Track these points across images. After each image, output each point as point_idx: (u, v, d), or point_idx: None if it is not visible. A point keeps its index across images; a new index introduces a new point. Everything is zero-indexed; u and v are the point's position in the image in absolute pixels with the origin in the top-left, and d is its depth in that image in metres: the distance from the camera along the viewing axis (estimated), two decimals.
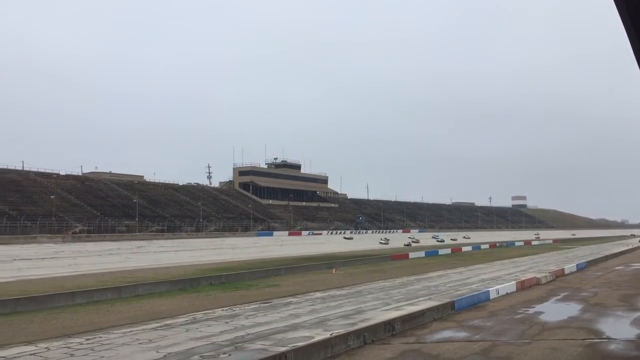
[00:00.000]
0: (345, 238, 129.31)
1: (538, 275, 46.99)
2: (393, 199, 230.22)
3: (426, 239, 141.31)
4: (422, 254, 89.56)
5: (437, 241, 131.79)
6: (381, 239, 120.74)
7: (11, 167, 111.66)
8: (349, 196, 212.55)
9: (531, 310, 31.42)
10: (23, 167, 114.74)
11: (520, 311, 31.09)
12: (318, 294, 40.76)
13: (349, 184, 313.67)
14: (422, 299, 35.37)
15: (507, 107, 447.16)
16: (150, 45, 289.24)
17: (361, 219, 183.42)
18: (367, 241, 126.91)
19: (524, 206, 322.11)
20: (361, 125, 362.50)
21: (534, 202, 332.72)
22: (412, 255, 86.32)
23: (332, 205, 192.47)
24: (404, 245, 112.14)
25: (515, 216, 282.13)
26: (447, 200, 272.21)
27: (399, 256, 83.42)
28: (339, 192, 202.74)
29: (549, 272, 49.86)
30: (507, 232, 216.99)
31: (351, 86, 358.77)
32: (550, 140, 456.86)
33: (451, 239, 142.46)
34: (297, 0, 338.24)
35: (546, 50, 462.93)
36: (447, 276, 53.92)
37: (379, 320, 25.38)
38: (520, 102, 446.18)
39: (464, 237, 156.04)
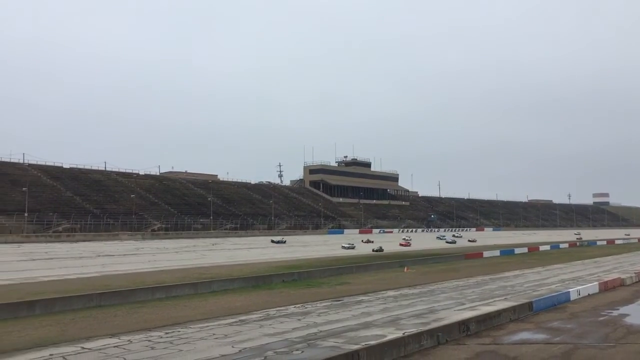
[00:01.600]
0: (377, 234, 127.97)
1: (622, 276, 44.66)
2: (466, 197, 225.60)
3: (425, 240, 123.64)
4: (497, 252, 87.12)
5: (447, 242, 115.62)
6: (344, 244, 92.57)
7: (95, 167, 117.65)
8: (420, 194, 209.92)
9: (615, 313, 29.91)
10: (105, 167, 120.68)
11: (604, 313, 29.66)
12: (390, 293, 40.47)
13: (420, 181, 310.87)
14: (497, 299, 34.41)
15: (587, 98, 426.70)
16: (219, 47, 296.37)
17: (433, 217, 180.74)
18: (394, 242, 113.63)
19: (607, 204, 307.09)
20: (432, 120, 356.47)
21: (617, 199, 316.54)
22: (486, 254, 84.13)
23: (403, 203, 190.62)
24: (373, 250, 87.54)
25: (597, 214, 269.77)
26: (522, 198, 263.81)
27: (472, 255, 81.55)
28: (410, 189, 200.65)
29: (635, 273, 47.29)
30: (587, 230, 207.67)
31: (419, 81, 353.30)
32: (635, 133, 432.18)
33: (469, 240, 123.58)
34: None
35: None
36: (523, 276, 52.24)
37: (452, 320, 24.89)
38: (600, 93, 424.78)
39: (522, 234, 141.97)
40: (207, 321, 28.67)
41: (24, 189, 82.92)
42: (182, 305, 35.58)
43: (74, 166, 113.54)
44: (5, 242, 70.91)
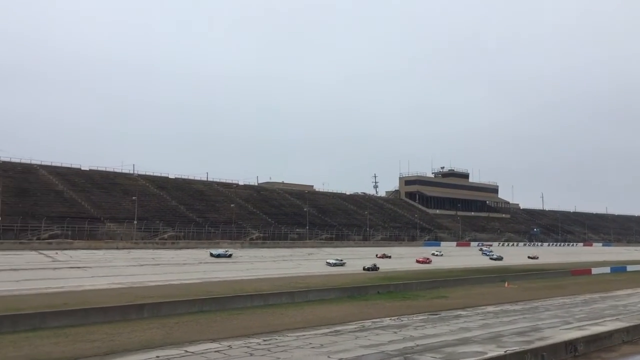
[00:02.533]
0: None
1: None
2: (572, 210, 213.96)
3: (514, 255, 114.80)
4: (607, 269, 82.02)
5: (492, 259, 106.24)
6: (330, 260, 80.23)
7: (197, 178, 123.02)
8: (522, 206, 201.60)
9: None
10: (207, 178, 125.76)
11: None
12: (490, 308, 39.08)
13: (521, 193, 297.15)
14: (608, 319, 32.26)
15: None
16: (310, 57, 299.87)
17: (536, 231, 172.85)
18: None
19: None
20: (533, 129, 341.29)
21: None
22: (595, 270, 79.40)
23: (503, 215, 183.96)
24: (365, 268, 75.45)
25: None
26: (636, 212, 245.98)
27: (579, 271, 77.22)
28: (511, 201, 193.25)
29: None
30: None
31: (517, 87, 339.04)
32: None
33: (529, 257, 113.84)
34: (451, 10, 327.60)
35: None
36: (638, 295, 48.69)
37: (558, 340, 23.56)
38: None
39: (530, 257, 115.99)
40: (304, 330, 28.95)
41: (133, 198, 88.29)
42: (279, 313, 36.21)
43: (179, 177, 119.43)
44: (117, 248, 75.72)
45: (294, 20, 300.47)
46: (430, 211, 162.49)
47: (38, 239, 71.93)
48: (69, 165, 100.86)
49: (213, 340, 25.86)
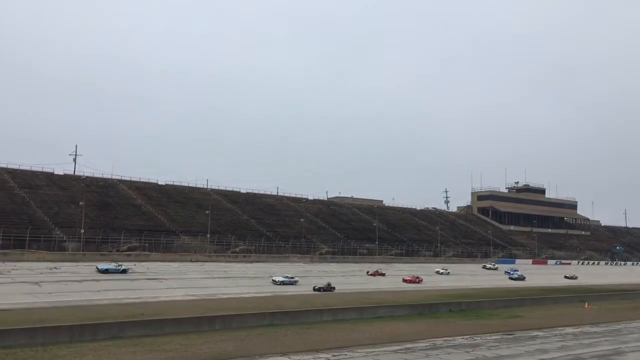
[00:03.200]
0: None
1: None
2: None
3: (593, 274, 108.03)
4: None
5: (512, 278, 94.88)
6: (275, 278, 66.92)
7: (268, 192, 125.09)
8: (603, 223, 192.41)
9: None
10: (278, 192, 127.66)
11: None
12: (568, 329, 37.38)
13: (602, 209, 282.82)
14: None
15: None
16: (368, 69, 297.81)
17: (619, 249, 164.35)
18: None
19: None
20: (614, 143, 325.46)
21: None
22: None
23: (583, 232, 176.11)
24: (315, 288, 63.42)
25: None
26: None
27: None
28: (591, 218, 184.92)
29: None
30: None
31: (597, 103, 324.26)
32: None
33: (565, 276, 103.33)
34: (524, 11, 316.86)
35: None
36: None
37: None
38: None
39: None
40: (373, 346, 28.68)
41: (206, 212, 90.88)
42: (348, 329, 36.03)
43: (250, 191, 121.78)
44: (191, 261, 77.96)
45: (353, 27, 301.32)
46: (504, 227, 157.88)
47: (117, 250, 75.06)
48: (146, 180, 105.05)
49: (283, 354, 26.03)
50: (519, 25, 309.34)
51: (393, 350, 27.51)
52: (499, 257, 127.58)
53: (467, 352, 27.35)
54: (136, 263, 68.94)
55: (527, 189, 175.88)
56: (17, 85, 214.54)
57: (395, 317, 44.28)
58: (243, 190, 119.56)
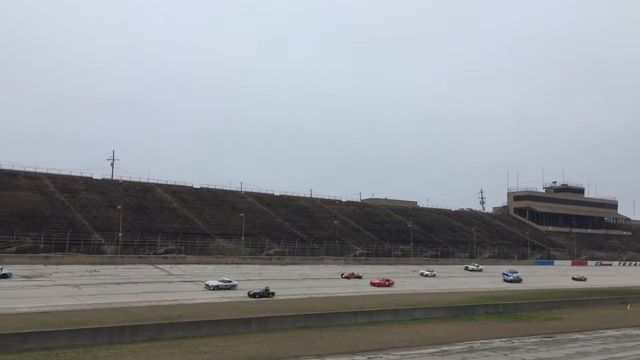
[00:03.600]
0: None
1: None
2: None
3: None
4: None
5: (507, 280, 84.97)
6: (210, 282, 57.96)
7: (301, 195, 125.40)
8: None
9: None
10: (311, 194, 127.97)
11: None
12: (610, 332, 36.47)
13: None
14: None
15: None
16: (399, 70, 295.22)
17: None
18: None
19: None
20: None
21: None
22: None
23: (624, 233, 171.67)
24: (250, 294, 54.47)
25: None
26: None
27: None
28: (632, 218, 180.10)
29: None
30: None
31: (633, 97, 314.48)
32: None
33: (574, 278, 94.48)
34: (560, 7, 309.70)
35: None
36: None
37: None
38: None
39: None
40: (409, 349, 28.48)
41: (241, 214, 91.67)
42: (384, 331, 35.86)
43: (284, 193, 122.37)
44: (226, 263, 78.71)
45: (384, 28, 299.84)
46: (542, 228, 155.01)
47: (154, 253, 76.29)
48: (182, 184, 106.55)
49: (318, 356, 26.05)
50: (556, 22, 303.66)
51: (429, 353, 27.27)
52: (537, 259, 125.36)
53: (506, 355, 26.94)
54: (173, 265, 69.99)
55: (565, 188, 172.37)
56: (57, 91, 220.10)
57: (431, 319, 43.90)
58: (277, 193, 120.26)
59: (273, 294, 54.63)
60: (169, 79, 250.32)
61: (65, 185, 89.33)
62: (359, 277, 73.96)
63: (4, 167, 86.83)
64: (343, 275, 74.39)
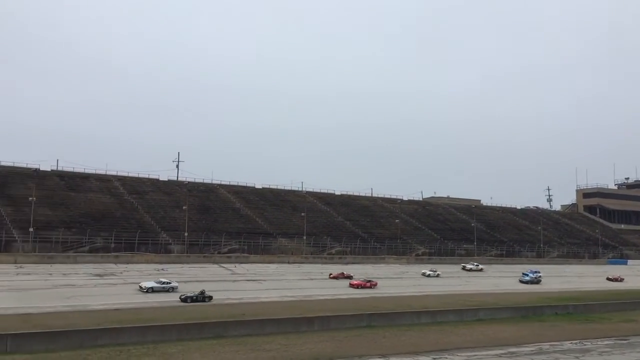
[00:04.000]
0: None
1: None
2: None
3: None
4: None
5: (523, 281, 78.40)
6: (143, 284, 51.92)
7: (362, 194, 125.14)
8: None
9: None
10: (372, 193, 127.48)
11: None
12: None
13: None
14: None
15: None
16: (454, 67, 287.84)
17: None
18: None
19: None
20: None
21: None
22: None
23: None
24: (182, 298, 48.31)
25: None
26: None
27: None
28: None
29: None
30: None
31: None
32: None
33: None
34: None
35: None
36: None
37: None
38: None
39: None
40: (474, 350, 27.90)
41: (302, 214, 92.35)
42: (448, 332, 35.28)
43: (344, 193, 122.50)
44: (288, 262, 79.52)
45: (449, 24, 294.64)
46: (614, 226, 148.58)
47: (219, 252, 77.91)
48: (244, 184, 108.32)
49: (382, 356, 25.89)
50: (629, 11, 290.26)
51: (496, 355, 26.62)
52: (608, 258, 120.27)
53: (577, 357, 25.97)
54: (236, 265, 71.25)
55: (638, 184, 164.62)
56: (127, 98, 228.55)
57: (496, 319, 42.88)
58: (337, 192, 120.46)
59: (210, 297, 48.53)
60: (232, 84, 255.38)
61: (134, 187, 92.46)
62: (350, 277, 67.23)
63: (77, 170, 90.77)
64: (331, 276, 68.02)
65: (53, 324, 32.70)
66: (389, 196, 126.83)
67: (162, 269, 62.94)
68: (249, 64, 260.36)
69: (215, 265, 69.98)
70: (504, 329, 37.04)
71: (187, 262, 69.83)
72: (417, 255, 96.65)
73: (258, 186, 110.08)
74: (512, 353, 27.04)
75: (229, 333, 32.53)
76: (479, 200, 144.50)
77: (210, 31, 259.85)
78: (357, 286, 62.44)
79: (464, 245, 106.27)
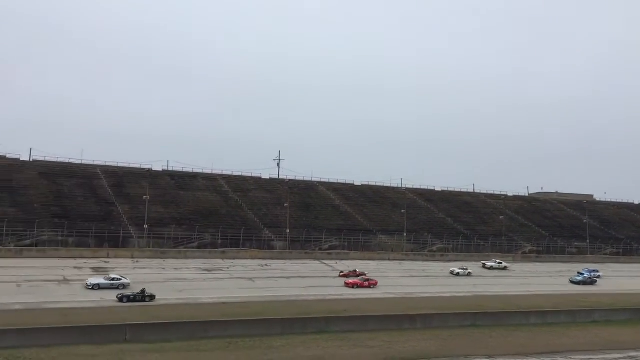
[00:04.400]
0: None
1: None
2: None
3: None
4: None
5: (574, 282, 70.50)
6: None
7: (464, 190, 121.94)
8: None
9: None
10: (474, 189, 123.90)
11: None
12: None
13: None
14: None
15: None
16: (557, 54, 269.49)
17: None
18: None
19: None
20: None
21: None
22: None
23: None
24: (120, 297, 43.33)
25: None
26: None
27: None
28: None
29: None
30: None
31: None
32: None
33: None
34: None
35: None
36: None
37: None
38: None
39: None
40: (590, 353, 26.41)
41: (402, 211, 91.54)
42: (560, 333, 33.61)
43: (445, 189, 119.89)
44: (389, 259, 79.15)
45: (537, 13, 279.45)
46: None
47: (320, 249, 78.93)
48: (343, 182, 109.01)
49: (489, 357, 25.15)
50: None
51: (614, 359, 24.99)
52: None
53: None
54: (337, 261, 71.85)
55: None
56: (236, 97, 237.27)
57: (612, 322, 40.34)
58: (438, 188, 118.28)
59: (153, 297, 43.76)
60: (335, 82, 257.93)
61: (238, 185, 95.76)
62: (363, 275, 60.29)
63: (186, 169, 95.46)
64: (342, 273, 61.52)
65: (167, 315, 34.61)
66: (492, 192, 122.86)
67: (266, 265, 64.73)
68: (347, 63, 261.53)
69: (317, 262, 70.97)
70: (621, 332, 34.79)
71: (290, 259, 71.35)
72: (524, 253, 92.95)
73: (357, 183, 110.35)
74: (632, 357, 25.32)
75: (331, 328, 32.84)
76: (592, 196, 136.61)
77: (306, 31, 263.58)
78: (353, 285, 55.51)
79: (575, 243, 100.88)
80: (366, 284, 56.43)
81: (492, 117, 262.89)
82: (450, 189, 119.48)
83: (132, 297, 42.77)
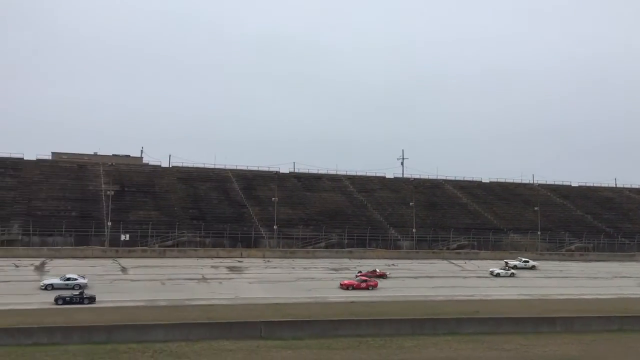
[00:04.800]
0: None
1: None
2: None
3: None
4: None
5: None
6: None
7: (604, 185, 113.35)
8: None
9: None
10: (616, 184, 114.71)
11: None
12: None
13: None
14: None
15: None
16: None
17: None
18: None
19: None
20: None
21: None
22: None
23: None
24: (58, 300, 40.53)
25: None
26: None
27: None
28: None
29: None
30: None
31: None
32: None
33: None
34: None
35: None
36: None
37: None
38: None
39: None
40: None
41: (535, 208, 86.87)
42: None
43: (582, 184, 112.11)
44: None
45: None
46: None
47: (447, 248, 77.16)
48: (470, 179, 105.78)
49: None
50: None
51: None
52: None
53: None
54: (466, 261, 69.91)
55: None
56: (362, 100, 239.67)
57: None
58: (574, 184, 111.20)
59: (93, 298, 41.40)
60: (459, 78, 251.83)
61: (362, 185, 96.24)
62: (383, 276, 55.70)
63: (311, 171, 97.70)
64: (360, 274, 55.54)
65: (299, 313, 35.58)
66: (637, 187, 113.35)
67: (393, 264, 64.44)
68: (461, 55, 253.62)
69: (445, 262, 69.49)
70: None
71: (416, 258, 70.51)
72: None
73: (485, 180, 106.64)
74: None
75: (462, 330, 31.97)
76: None
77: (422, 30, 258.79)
78: (348, 286, 49.68)
79: None
80: (364, 285, 49.94)
81: None
82: (588, 184, 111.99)
83: (68, 299, 40.62)
